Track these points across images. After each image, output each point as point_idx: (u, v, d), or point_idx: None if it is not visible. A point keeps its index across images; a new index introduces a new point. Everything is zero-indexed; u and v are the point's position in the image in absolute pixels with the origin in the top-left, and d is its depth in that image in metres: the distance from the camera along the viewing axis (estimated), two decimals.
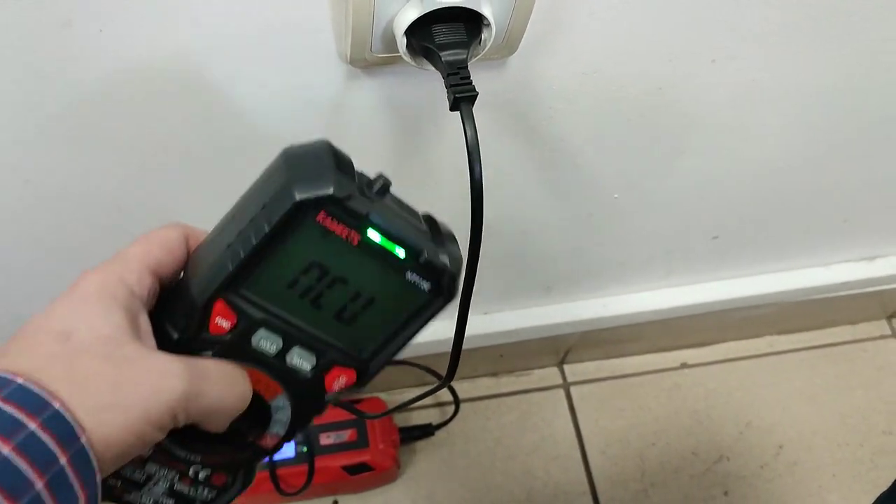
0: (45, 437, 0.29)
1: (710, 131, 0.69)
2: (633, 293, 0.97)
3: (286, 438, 0.43)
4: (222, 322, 0.37)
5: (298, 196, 0.34)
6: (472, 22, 0.47)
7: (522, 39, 0.52)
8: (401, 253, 0.38)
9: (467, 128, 0.44)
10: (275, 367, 0.39)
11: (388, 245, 0.37)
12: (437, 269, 0.39)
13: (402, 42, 0.47)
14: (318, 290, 0.38)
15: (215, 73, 0.51)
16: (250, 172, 0.62)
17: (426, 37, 0.47)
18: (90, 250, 0.68)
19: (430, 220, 0.40)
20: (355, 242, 0.36)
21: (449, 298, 0.40)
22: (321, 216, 0.35)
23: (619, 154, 0.70)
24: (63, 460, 0.29)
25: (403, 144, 0.61)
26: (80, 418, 0.30)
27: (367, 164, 0.63)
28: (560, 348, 1.08)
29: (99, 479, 0.31)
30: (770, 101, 0.66)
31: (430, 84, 0.55)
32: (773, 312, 1.08)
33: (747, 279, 1.00)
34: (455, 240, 0.40)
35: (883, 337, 1.20)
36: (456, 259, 0.40)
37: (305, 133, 0.58)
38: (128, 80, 0.51)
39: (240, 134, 0.57)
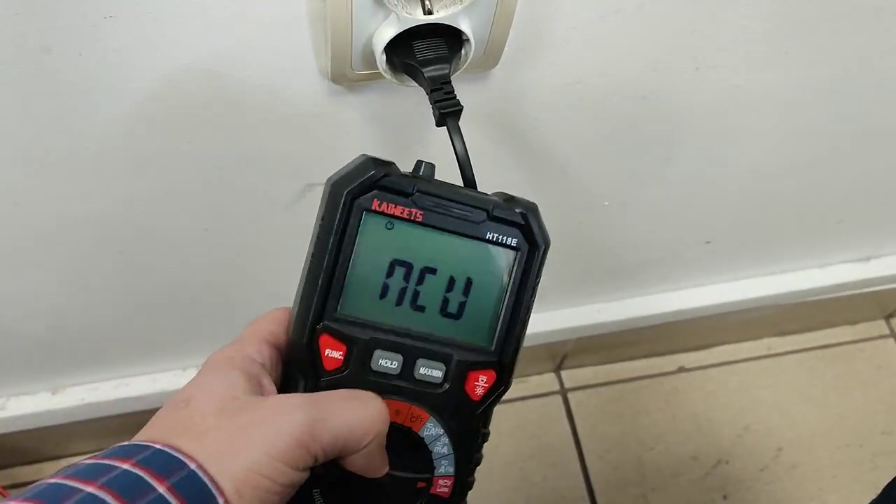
0: (172, 500, 0.29)
1: (696, 138, 0.69)
2: (628, 298, 0.97)
3: (462, 479, 0.39)
4: (333, 353, 0.36)
5: (346, 189, 0.36)
6: (452, 37, 0.47)
7: (503, 52, 0.52)
8: (468, 213, 0.37)
9: (455, 141, 0.44)
10: (407, 388, 0.37)
11: (454, 210, 0.37)
12: (515, 217, 0.38)
13: (381, 59, 0.47)
14: (411, 288, 0.37)
15: (197, 94, 0.51)
16: (232, 189, 0.62)
17: (407, 53, 0.47)
18: (81, 275, 0.68)
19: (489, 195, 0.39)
20: (420, 219, 0.37)
21: (541, 244, 0.38)
22: (375, 203, 0.36)
23: (606, 162, 0.70)
24: None
25: (389, 157, 0.61)
26: (209, 471, 0.30)
27: None
28: (556, 354, 1.08)
29: None
30: (756, 106, 0.66)
31: (414, 99, 0.56)
32: (770, 314, 1.08)
33: (743, 282, 1.00)
34: (517, 198, 0.39)
35: (882, 337, 1.19)
36: (530, 204, 0.39)
37: (290, 151, 0.58)
38: (111, 103, 0.51)
39: (221, 153, 0.57)
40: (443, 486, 0.38)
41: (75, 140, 0.53)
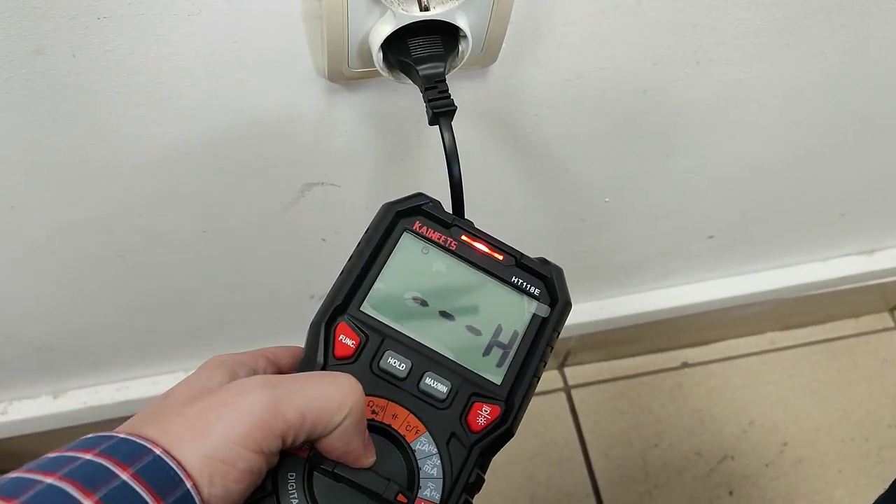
0: (136, 486, 0.28)
1: (697, 131, 0.68)
2: (630, 295, 0.97)
3: None
4: (346, 341, 0.37)
5: (396, 208, 0.40)
6: (448, 34, 0.47)
7: (502, 49, 0.51)
8: (498, 255, 0.40)
9: (445, 139, 0.44)
10: (409, 395, 0.37)
11: (485, 248, 0.40)
12: (542, 269, 0.40)
13: (378, 57, 0.46)
14: (433, 311, 0.39)
15: (192, 96, 0.51)
16: (230, 191, 0.62)
17: (402, 51, 0.46)
18: (80, 279, 0.68)
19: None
20: (453, 247, 0.40)
21: (563, 301, 0.40)
22: (417, 224, 0.40)
23: (607, 158, 0.69)
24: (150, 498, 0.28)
25: (386, 156, 0.61)
26: (175, 455, 0.29)
27: (351, 176, 0.63)
28: (559, 351, 1.07)
29: None
30: (757, 99, 0.66)
31: (411, 96, 0.55)
32: (773, 309, 1.07)
33: (746, 276, 0.99)
34: (548, 260, 0.41)
35: (886, 330, 1.19)
36: (557, 267, 0.41)
37: (287, 151, 0.58)
38: (106, 105, 0.50)
39: (218, 154, 0.57)
40: None
41: (71, 143, 0.53)
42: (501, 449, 0.38)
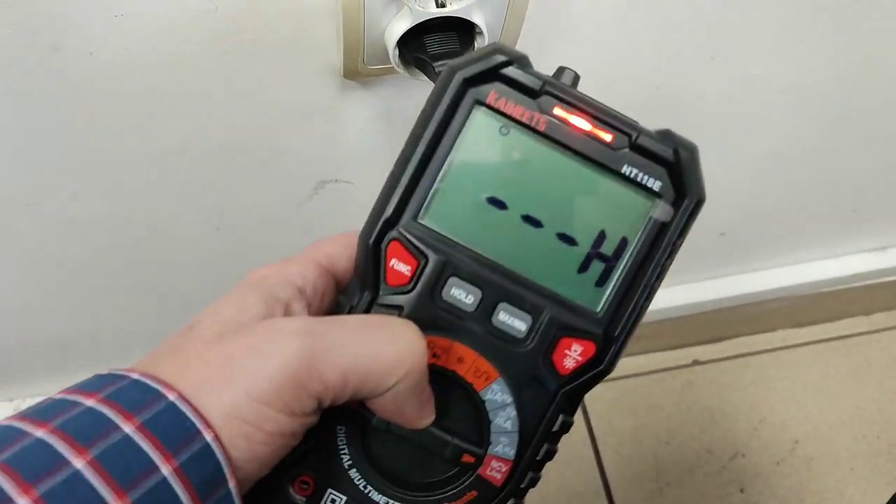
0: (140, 442, 0.23)
1: (710, 128, 0.68)
2: None
3: (522, 470, 0.31)
4: (400, 267, 0.30)
5: (462, 73, 0.29)
6: (464, 30, 0.47)
7: (517, 45, 0.51)
8: (606, 134, 0.29)
9: None
10: (479, 333, 0.30)
11: (587, 124, 0.29)
12: (665, 152, 0.30)
13: (394, 54, 0.46)
14: (514, 215, 0.30)
15: (208, 92, 0.51)
16: (243, 188, 0.62)
17: (419, 47, 0.46)
18: (93, 276, 0.68)
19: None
20: (542, 127, 0.29)
21: (694, 195, 0.30)
22: (492, 96, 0.29)
23: None
24: (168, 467, 0.24)
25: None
26: (193, 402, 0.25)
27: (366, 173, 0.63)
28: None
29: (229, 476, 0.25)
30: (770, 95, 0.66)
31: (426, 93, 0.55)
32: (785, 306, 1.07)
33: (757, 273, 0.99)
34: (675, 134, 0.31)
35: None
36: (689, 143, 0.31)
37: (302, 148, 0.58)
38: (123, 101, 0.50)
39: (233, 151, 0.57)
40: (495, 471, 0.31)
41: (87, 139, 0.53)
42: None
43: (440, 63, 0.46)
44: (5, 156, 0.53)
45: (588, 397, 1.09)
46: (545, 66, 0.55)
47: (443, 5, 0.44)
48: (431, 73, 0.46)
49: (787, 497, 1.04)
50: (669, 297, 0.97)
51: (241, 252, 0.70)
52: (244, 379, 0.25)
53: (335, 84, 0.53)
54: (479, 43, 0.47)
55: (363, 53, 0.48)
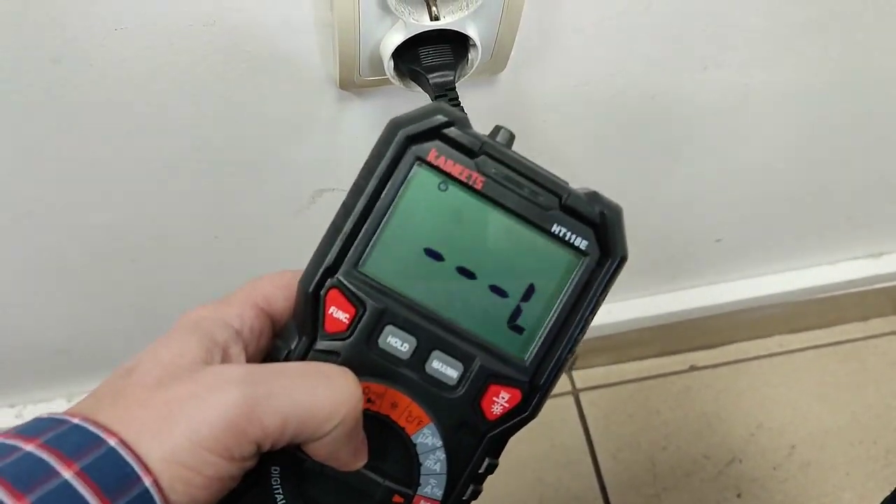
0: (79, 487, 0.24)
1: (705, 136, 0.69)
2: (638, 298, 0.97)
3: None
4: (339, 314, 0.30)
5: (404, 131, 0.30)
6: (458, 42, 0.47)
7: (511, 57, 0.52)
8: (539, 195, 0.31)
9: None
10: (413, 380, 0.31)
11: (520, 183, 0.31)
12: (592, 214, 0.31)
13: (389, 66, 0.47)
14: (449, 266, 0.31)
15: (206, 104, 0.52)
16: (242, 197, 0.62)
17: (413, 59, 0.47)
18: (95, 283, 0.69)
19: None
20: (479, 186, 0.30)
21: (618, 255, 0.32)
22: (433, 154, 0.30)
23: (615, 162, 0.70)
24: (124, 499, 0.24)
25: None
26: (133, 447, 0.25)
27: None
28: None
29: None
30: (764, 103, 0.66)
31: (421, 103, 0.56)
32: (781, 312, 1.07)
33: (753, 280, 1.00)
34: (601, 196, 0.32)
35: (894, 332, 1.18)
36: (614, 205, 0.32)
37: (298, 158, 0.58)
38: (122, 113, 0.51)
39: (231, 161, 0.57)
40: None
41: (86, 150, 0.54)
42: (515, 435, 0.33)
43: (435, 75, 0.47)
44: (6, 166, 0.54)
45: (585, 402, 1.10)
46: (540, 77, 0.56)
47: (437, 18, 0.45)
48: (426, 85, 0.47)
49: (784, 502, 1.05)
50: (666, 303, 0.98)
51: (240, 260, 0.70)
52: (186, 425, 0.25)
53: (332, 95, 0.53)
54: (473, 55, 0.48)
55: (359, 65, 0.48)
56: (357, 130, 0.57)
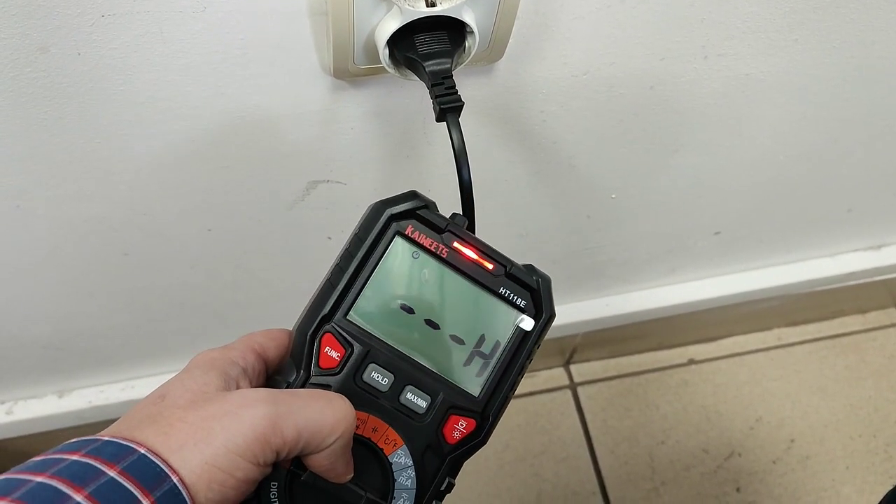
0: (124, 482, 0.29)
1: (704, 127, 0.68)
2: (637, 291, 0.96)
3: None
4: (332, 353, 0.38)
5: (389, 211, 0.39)
6: (455, 30, 0.46)
7: (508, 45, 0.51)
8: (488, 264, 0.40)
9: (454, 135, 0.43)
10: (389, 409, 0.38)
11: (475, 256, 0.40)
12: (530, 281, 0.40)
13: (384, 53, 0.46)
14: (419, 319, 0.39)
15: (196, 93, 0.51)
16: (235, 188, 0.62)
17: (409, 47, 0.46)
18: (86, 278, 0.68)
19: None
20: (444, 255, 0.39)
21: (547, 313, 0.40)
22: (409, 229, 0.39)
23: (614, 154, 0.69)
24: (147, 501, 0.29)
25: (392, 154, 0.61)
26: (168, 460, 0.31)
27: (357, 174, 0.62)
28: (565, 349, 1.07)
29: None
30: (764, 94, 0.65)
31: (417, 93, 0.55)
32: (780, 305, 1.07)
33: (752, 273, 0.99)
34: (536, 268, 0.41)
35: (893, 325, 1.18)
36: (546, 276, 0.41)
37: (292, 148, 0.57)
38: (111, 103, 0.50)
39: (223, 152, 0.56)
40: None
41: (75, 141, 0.53)
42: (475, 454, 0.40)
43: (431, 62, 0.46)
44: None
45: (583, 396, 1.09)
46: (538, 66, 0.55)
47: (433, 4, 0.44)
48: (422, 73, 0.46)
49: (783, 496, 1.04)
50: (665, 296, 0.97)
51: (233, 252, 0.69)
52: (223, 436, 0.31)
53: (325, 84, 0.52)
54: (470, 42, 0.47)
55: (353, 53, 0.47)
56: (352, 120, 0.56)
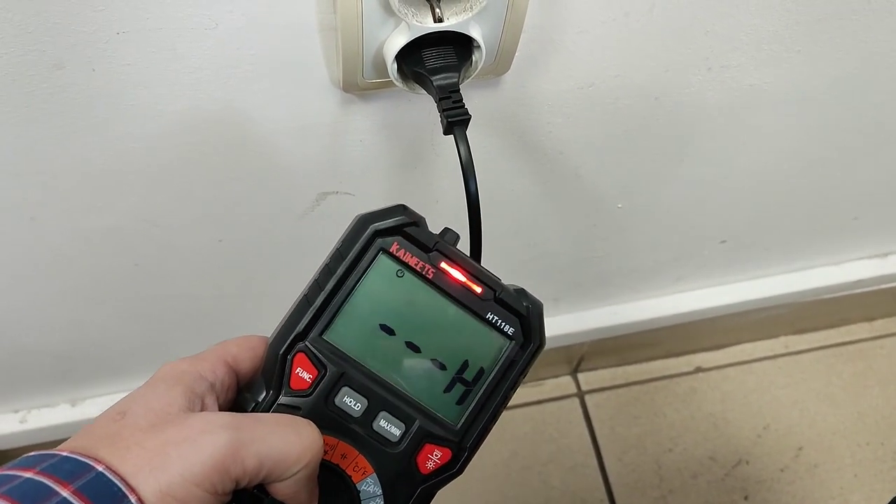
0: (77, 503, 0.28)
1: (709, 137, 0.69)
2: (643, 300, 0.97)
3: None
4: (303, 374, 0.36)
5: (374, 226, 0.37)
6: (462, 44, 0.47)
7: (514, 58, 0.52)
8: (477, 287, 0.37)
9: (461, 148, 0.44)
10: (361, 435, 0.36)
11: (463, 278, 0.37)
12: (520, 307, 0.38)
13: (392, 68, 0.47)
14: (399, 341, 0.37)
15: (209, 107, 0.52)
16: (245, 200, 0.62)
17: (417, 62, 0.47)
18: (98, 289, 0.69)
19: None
20: (430, 276, 0.37)
21: (536, 342, 0.38)
22: (395, 247, 0.37)
23: (619, 164, 0.69)
24: None
25: (400, 165, 0.61)
26: (127, 478, 0.29)
27: (366, 185, 0.63)
28: (573, 357, 1.07)
29: None
30: (768, 104, 0.66)
31: (425, 105, 0.56)
32: (787, 313, 1.07)
33: (759, 281, 0.99)
34: (528, 293, 0.39)
35: None
36: (537, 301, 0.39)
37: (302, 160, 0.58)
38: (124, 117, 0.51)
39: (234, 164, 0.57)
40: None
41: (89, 155, 0.54)
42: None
43: (439, 77, 0.46)
44: (11, 171, 0.54)
45: (590, 405, 1.10)
46: (544, 78, 0.55)
47: (440, 20, 0.44)
48: (430, 87, 0.47)
49: None
50: (672, 304, 0.97)
51: (244, 263, 0.70)
52: (180, 463, 0.30)
53: (335, 98, 0.53)
54: (477, 56, 0.47)
55: (362, 68, 0.48)
56: (360, 133, 0.57)
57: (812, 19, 0.58)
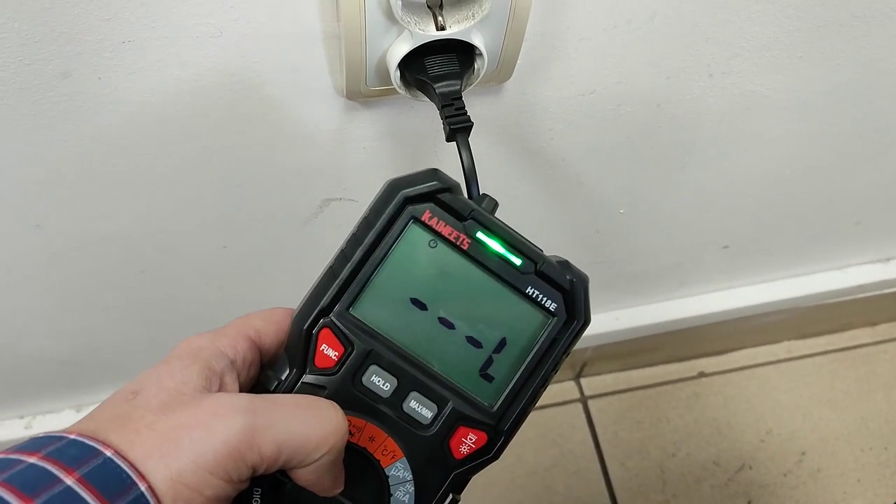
0: (81, 492, 0.26)
1: (711, 143, 0.69)
2: (646, 305, 0.97)
3: None
4: (329, 352, 0.34)
5: (405, 192, 0.34)
6: (464, 52, 0.47)
7: (516, 66, 0.52)
8: (516, 259, 0.35)
9: (463, 155, 0.44)
10: (390, 417, 0.34)
11: (501, 249, 0.35)
12: (563, 280, 0.35)
13: (395, 76, 0.47)
14: (431, 316, 0.35)
15: (214, 115, 0.52)
16: (250, 206, 0.63)
17: (419, 69, 0.47)
18: (104, 295, 0.69)
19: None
20: (465, 246, 0.34)
21: (581, 318, 0.35)
22: (427, 215, 0.34)
23: (621, 170, 0.70)
24: None
25: (405, 171, 0.61)
26: (137, 465, 0.27)
27: (369, 191, 0.63)
28: (576, 362, 1.08)
29: None
30: (770, 110, 0.66)
31: (428, 113, 0.56)
32: (790, 318, 1.07)
33: (762, 286, 0.99)
34: (572, 265, 0.36)
35: None
36: (583, 275, 0.36)
37: (306, 167, 0.59)
38: (130, 125, 0.51)
39: (239, 171, 0.58)
40: None
41: (95, 162, 0.54)
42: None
43: (441, 84, 0.47)
44: (17, 178, 0.54)
45: (594, 410, 1.10)
46: (546, 85, 0.56)
47: (442, 28, 0.45)
48: (432, 94, 0.47)
49: None
50: (674, 309, 0.98)
51: (248, 269, 0.70)
52: (192, 449, 0.28)
53: (338, 105, 0.54)
54: (479, 64, 0.48)
55: (365, 75, 0.49)
56: (364, 140, 0.57)
57: (812, 26, 0.58)
